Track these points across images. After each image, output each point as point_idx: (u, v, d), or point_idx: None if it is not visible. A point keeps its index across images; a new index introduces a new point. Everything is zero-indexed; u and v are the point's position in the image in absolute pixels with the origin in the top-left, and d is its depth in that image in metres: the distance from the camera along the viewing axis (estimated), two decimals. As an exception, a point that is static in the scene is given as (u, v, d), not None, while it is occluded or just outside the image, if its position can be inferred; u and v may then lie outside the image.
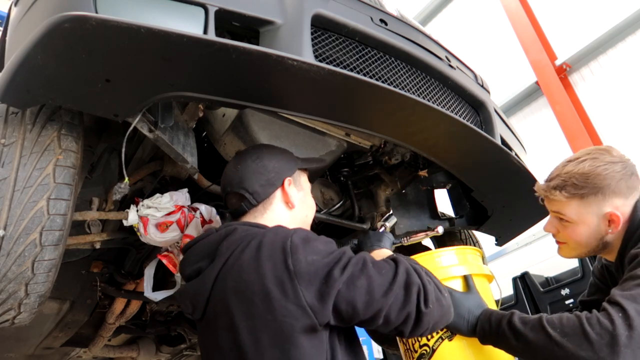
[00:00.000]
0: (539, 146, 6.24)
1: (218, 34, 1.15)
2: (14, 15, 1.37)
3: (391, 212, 1.86)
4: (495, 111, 1.85)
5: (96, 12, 1.06)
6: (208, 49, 1.08)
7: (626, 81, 5.52)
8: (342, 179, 2.03)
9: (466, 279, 1.38)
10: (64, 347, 2.26)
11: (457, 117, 1.51)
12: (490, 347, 1.32)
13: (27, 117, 1.24)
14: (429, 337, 1.32)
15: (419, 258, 1.44)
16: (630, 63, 5.63)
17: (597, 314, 1.14)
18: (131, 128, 1.24)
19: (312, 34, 1.28)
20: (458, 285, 1.37)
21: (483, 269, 1.46)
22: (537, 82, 6.39)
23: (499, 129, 1.79)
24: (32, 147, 1.21)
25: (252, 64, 1.14)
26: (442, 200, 2.25)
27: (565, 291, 3.67)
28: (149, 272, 1.71)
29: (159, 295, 1.73)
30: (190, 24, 1.13)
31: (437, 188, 2.05)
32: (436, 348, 1.31)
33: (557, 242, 1.44)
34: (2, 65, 1.42)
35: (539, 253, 5.86)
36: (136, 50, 1.05)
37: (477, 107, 1.78)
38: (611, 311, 1.12)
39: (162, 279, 1.93)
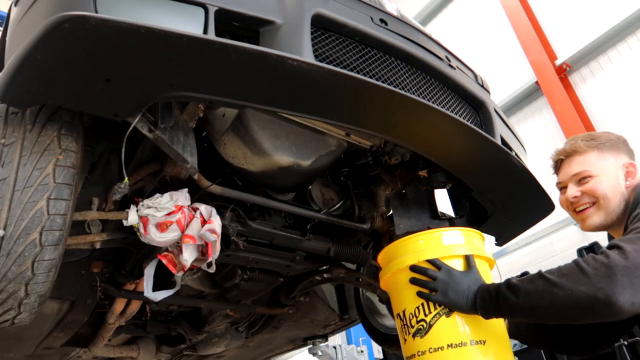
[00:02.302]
0: (539, 146, 6.24)
1: (218, 34, 1.15)
2: (14, 15, 1.37)
3: None
4: (495, 111, 1.85)
5: (96, 12, 1.06)
6: (208, 49, 1.08)
7: (626, 81, 5.53)
8: (342, 179, 2.03)
9: (467, 259, 1.38)
10: (64, 347, 2.26)
11: (457, 117, 1.51)
12: (487, 325, 1.31)
13: (27, 117, 1.24)
14: (427, 312, 1.32)
15: (424, 235, 1.45)
16: (630, 63, 5.63)
17: (592, 254, 1.17)
18: (131, 128, 1.24)
19: (312, 33, 1.28)
20: (459, 265, 1.38)
21: (485, 252, 1.46)
22: (537, 82, 6.39)
23: (499, 129, 1.79)
24: (32, 147, 1.21)
25: (252, 64, 1.14)
26: (442, 200, 2.25)
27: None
28: (149, 272, 1.71)
29: (159, 295, 1.73)
30: (190, 23, 1.13)
31: (437, 188, 2.05)
32: (433, 324, 1.31)
33: (581, 211, 1.44)
34: (2, 65, 1.42)
35: (539, 253, 5.87)
36: (136, 50, 1.05)
37: (477, 107, 1.78)
38: (607, 250, 1.16)
39: (162, 279, 1.93)
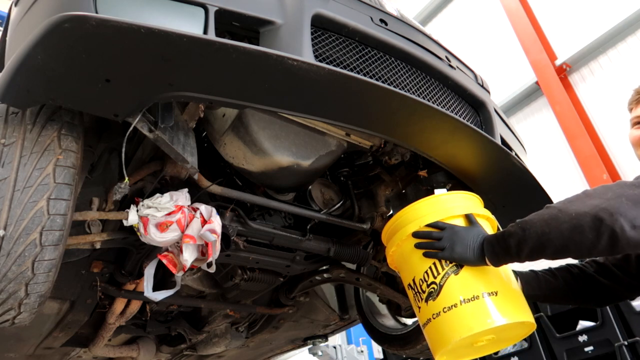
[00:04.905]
0: (539, 146, 6.23)
1: (218, 34, 1.15)
2: (14, 16, 1.37)
3: None
4: (496, 111, 1.85)
5: (96, 12, 1.06)
6: (208, 49, 1.08)
7: (626, 81, 5.52)
8: (342, 179, 2.03)
9: (468, 217, 1.39)
10: (64, 347, 2.26)
11: (457, 117, 1.51)
12: (497, 276, 1.31)
13: (27, 117, 1.24)
14: (436, 274, 1.32)
15: (421, 202, 1.45)
16: (630, 63, 5.62)
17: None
18: (131, 128, 1.24)
19: (312, 34, 1.28)
20: (460, 223, 1.38)
21: (485, 211, 1.47)
22: (537, 82, 6.39)
23: (499, 129, 1.79)
24: (32, 147, 1.21)
25: (252, 64, 1.14)
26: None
27: (565, 291, 3.67)
28: (149, 272, 1.71)
29: (159, 295, 1.73)
30: (190, 24, 1.13)
31: (437, 188, 2.05)
32: (443, 284, 1.30)
33: None
34: (2, 65, 1.42)
35: (539, 253, 5.84)
36: (136, 50, 1.05)
37: (477, 107, 1.78)
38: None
39: (162, 279, 1.93)
